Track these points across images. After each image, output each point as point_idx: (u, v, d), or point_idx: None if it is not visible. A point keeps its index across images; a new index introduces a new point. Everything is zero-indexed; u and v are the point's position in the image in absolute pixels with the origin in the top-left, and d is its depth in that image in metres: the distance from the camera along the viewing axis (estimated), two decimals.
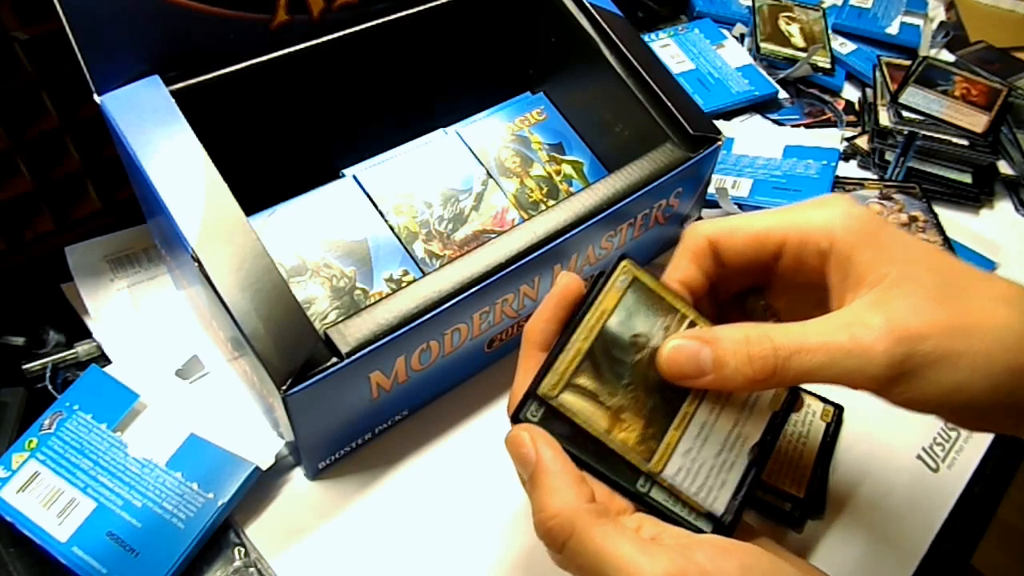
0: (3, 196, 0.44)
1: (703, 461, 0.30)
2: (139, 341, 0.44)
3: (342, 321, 0.35)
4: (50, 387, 0.42)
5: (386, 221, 0.45)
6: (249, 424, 0.40)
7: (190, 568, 0.36)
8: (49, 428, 0.38)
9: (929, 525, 0.40)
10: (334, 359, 0.33)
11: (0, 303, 0.45)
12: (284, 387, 0.32)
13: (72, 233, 0.48)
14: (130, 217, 0.48)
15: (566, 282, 0.30)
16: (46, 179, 0.45)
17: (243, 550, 0.37)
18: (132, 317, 0.45)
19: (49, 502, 0.36)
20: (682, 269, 0.32)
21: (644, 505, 0.29)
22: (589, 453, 0.29)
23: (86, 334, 0.44)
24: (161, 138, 0.36)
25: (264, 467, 0.38)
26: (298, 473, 0.40)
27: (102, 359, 0.43)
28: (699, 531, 0.29)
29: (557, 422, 0.29)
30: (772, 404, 0.32)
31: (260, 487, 0.39)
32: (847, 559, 0.38)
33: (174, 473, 0.37)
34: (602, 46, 0.47)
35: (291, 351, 0.33)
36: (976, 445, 0.44)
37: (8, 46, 0.40)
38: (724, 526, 0.30)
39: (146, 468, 0.37)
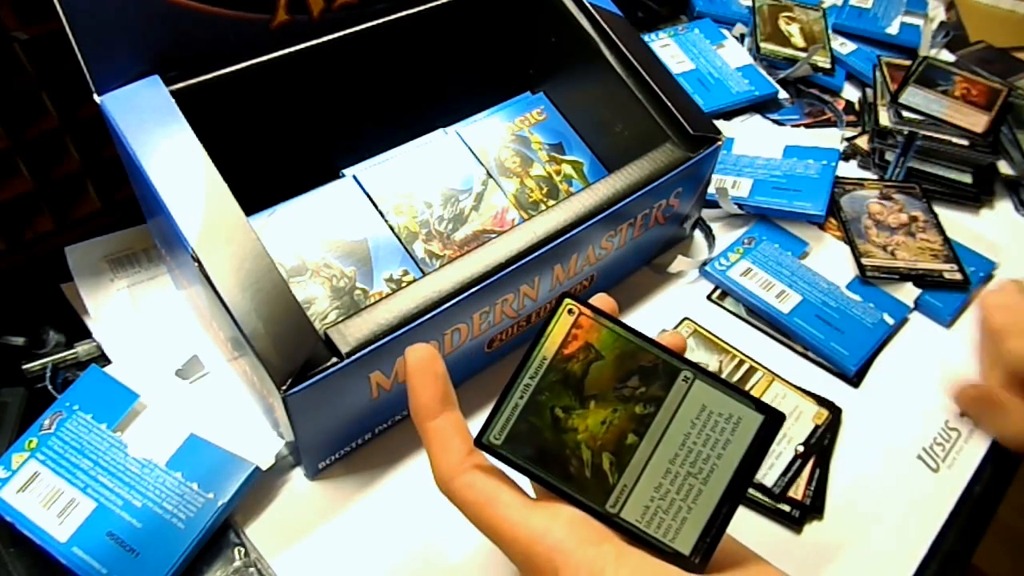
0: (3, 196, 0.44)
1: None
2: (139, 341, 0.44)
3: (342, 321, 0.35)
4: (50, 387, 0.42)
5: (386, 221, 0.45)
6: (249, 424, 0.40)
7: (190, 568, 0.36)
8: (49, 428, 0.38)
9: (929, 525, 0.40)
10: (334, 359, 0.33)
11: (0, 303, 0.45)
12: (284, 387, 0.32)
13: (72, 233, 0.48)
14: (130, 217, 0.48)
15: (419, 355, 0.29)
16: (46, 179, 0.45)
17: (243, 550, 0.37)
18: (132, 317, 0.45)
19: (49, 502, 0.36)
20: None
21: (617, 528, 0.27)
22: (555, 476, 0.28)
23: (86, 334, 0.44)
24: (161, 138, 0.36)
25: (264, 467, 0.38)
26: (298, 473, 0.40)
27: (102, 359, 0.43)
28: (678, 556, 0.27)
29: (521, 444, 0.28)
30: (746, 439, 0.29)
31: (260, 487, 0.39)
32: (847, 559, 0.38)
33: (174, 473, 0.37)
34: (602, 46, 0.47)
35: (291, 351, 0.33)
36: (976, 445, 0.44)
37: (8, 46, 0.40)
38: (694, 565, 0.28)
39: (146, 468, 0.37)
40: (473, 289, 0.37)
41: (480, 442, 0.29)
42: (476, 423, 0.42)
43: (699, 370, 0.29)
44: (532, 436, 0.29)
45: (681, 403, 0.29)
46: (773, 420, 0.29)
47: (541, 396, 0.29)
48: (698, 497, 0.28)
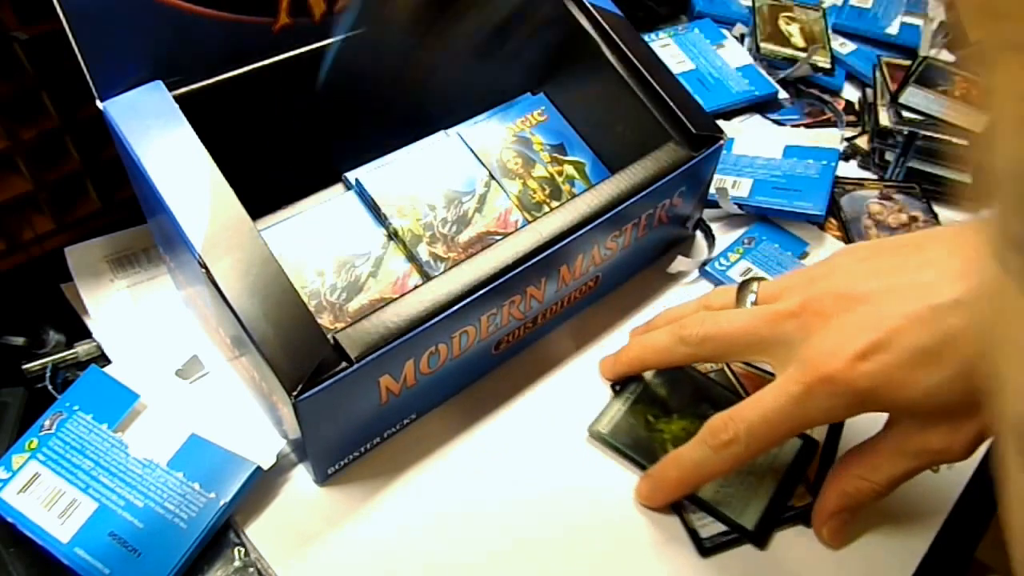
0: (3, 196, 0.44)
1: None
2: (139, 341, 0.43)
3: (351, 326, 0.35)
4: (50, 387, 0.42)
5: (390, 223, 0.44)
6: (250, 424, 0.40)
7: (191, 568, 0.36)
8: (49, 429, 0.38)
9: (929, 525, 0.40)
10: (344, 364, 0.33)
11: (0, 303, 0.45)
12: (295, 393, 0.32)
13: (72, 233, 0.48)
14: (130, 217, 0.48)
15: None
16: (46, 179, 0.45)
17: (243, 550, 0.37)
18: (132, 317, 0.45)
19: (50, 503, 0.36)
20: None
21: (693, 501, 0.38)
22: (645, 460, 0.40)
23: (86, 334, 0.44)
24: (165, 144, 0.36)
25: (265, 467, 0.38)
26: (297, 472, 0.40)
27: (102, 359, 0.43)
28: (744, 530, 0.37)
29: (621, 435, 0.41)
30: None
31: (259, 486, 0.39)
32: (847, 559, 0.38)
33: (175, 473, 0.37)
34: (603, 46, 0.47)
35: (301, 357, 0.33)
36: None
37: (8, 46, 0.40)
38: (756, 538, 0.38)
39: (147, 468, 0.37)
40: (481, 291, 0.37)
41: (591, 430, 0.41)
42: (485, 424, 0.43)
43: None
44: (629, 431, 0.41)
45: None
46: (808, 445, 0.41)
47: (638, 405, 0.42)
48: (757, 489, 0.39)
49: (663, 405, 0.42)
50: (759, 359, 0.36)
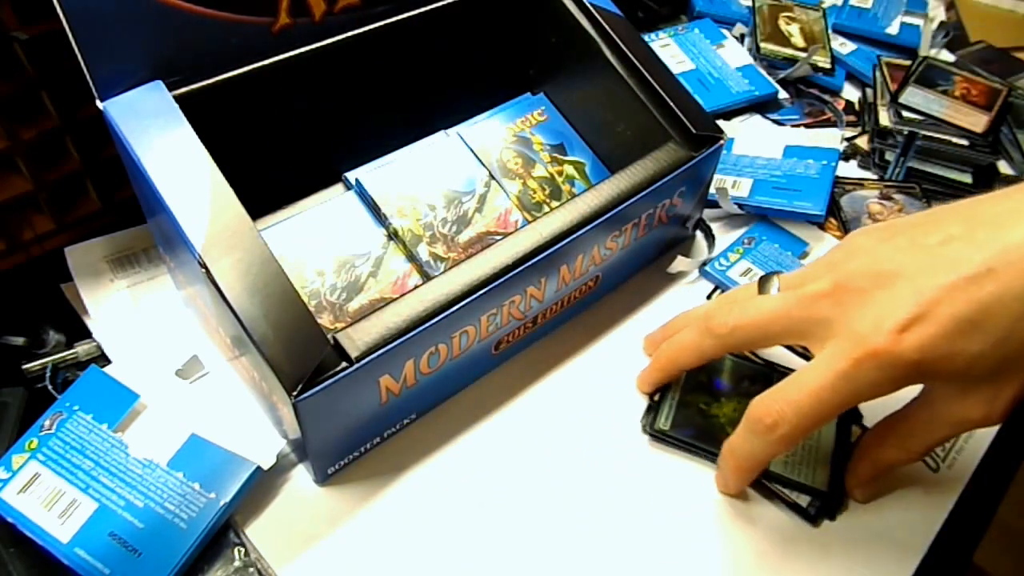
0: (3, 196, 0.44)
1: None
2: (139, 341, 0.43)
3: (351, 326, 0.35)
4: (50, 387, 0.42)
5: (390, 223, 0.44)
6: (250, 424, 0.40)
7: (191, 568, 0.36)
8: (49, 429, 0.38)
9: (929, 525, 0.40)
10: (344, 364, 0.33)
11: (0, 303, 0.45)
12: (295, 393, 0.32)
13: (72, 233, 0.48)
14: (130, 217, 0.48)
15: None
16: (46, 179, 0.45)
17: (243, 550, 0.37)
18: (132, 317, 0.45)
19: (50, 503, 0.36)
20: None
21: (766, 476, 0.39)
22: (712, 447, 0.40)
23: (86, 334, 0.44)
24: (165, 144, 0.36)
25: (265, 467, 0.38)
26: (297, 472, 0.40)
27: (102, 359, 0.43)
28: (821, 493, 0.39)
29: (682, 428, 0.42)
30: None
31: (259, 486, 0.39)
32: (847, 559, 0.38)
33: (175, 473, 0.37)
34: (603, 46, 0.47)
35: (301, 357, 0.33)
36: (976, 445, 0.44)
37: (8, 46, 0.40)
38: (831, 498, 0.39)
39: (147, 468, 0.37)
40: (481, 291, 0.37)
41: (652, 429, 0.42)
42: (486, 425, 0.43)
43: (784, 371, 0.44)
44: (688, 422, 0.42)
45: None
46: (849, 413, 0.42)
47: (687, 396, 0.43)
48: (817, 452, 0.40)
49: (709, 391, 0.43)
50: (795, 342, 0.36)
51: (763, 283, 0.38)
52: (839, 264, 0.35)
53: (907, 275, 0.32)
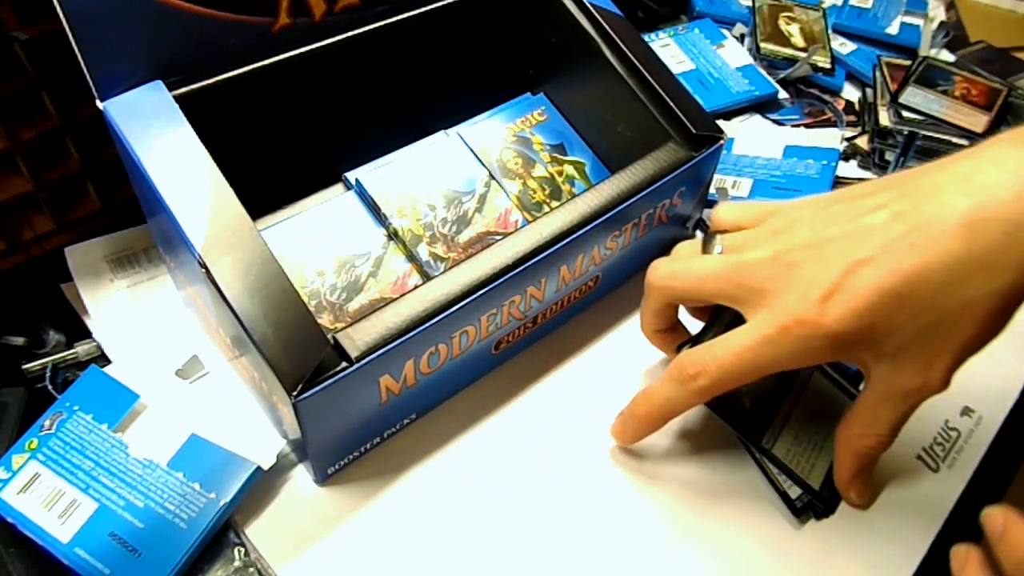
0: (3, 196, 0.44)
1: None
2: (139, 341, 0.43)
3: (351, 326, 0.35)
4: (50, 387, 0.42)
5: (390, 223, 0.44)
6: (250, 424, 0.40)
7: (191, 568, 0.36)
8: (49, 429, 0.38)
9: (929, 525, 0.40)
10: (344, 364, 0.33)
11: (0, 303, 0.45)
12: (295, 393, 0.32)
13: (72, 233, 0.48)
14: (130, 217, 0.48)
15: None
16: (46, 179, 0.45)
17: (243, 550, 0.37)
18: (132, 317, 0.45)
19: (50, 503, 0.36)
20: (655, 324, 0.42)
21: (768, 457, 0.40)
22: (734, 416, 0.40)
23: (86, 334, 0.44)
24: (165, 144, 0.36)
25: (266, 467, 0.38)
26: (297, 472, 0.40)
27: (102, 359, 0.43)
28: (812, 489, 0.39)
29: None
30: None
31: (258, 486, 0.39)
32: (847, 559, 0.38)
33: (176, 473, 0.37)
34: (603, 46, 0.47)
35: (301, 357, 0.33)
36: (976, 445, 0.44)
37: (8, 46, 0.40)
38: (821, 497, 0.39)
39: (147, 469, 0.37)
40: (481, 291, 0.37)
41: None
42: (486, 425, 0.43)
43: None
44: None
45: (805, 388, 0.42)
46: None
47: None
48: (822, 451, 0.40)
49: None
50: (727, 303, 0.36)
51: (707, 242, 0.38)
52: (781, 233, 0.35)
53: (837, 245, 0.33)
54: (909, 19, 0.75)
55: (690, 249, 0.40)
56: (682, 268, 0.38)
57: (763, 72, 0.67)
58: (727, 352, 0.35)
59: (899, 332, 0.32)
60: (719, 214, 0.39)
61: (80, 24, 0.34)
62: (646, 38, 0.67)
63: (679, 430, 0.43)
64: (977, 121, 0.60)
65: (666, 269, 0.39)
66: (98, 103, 0.36)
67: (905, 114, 0.61)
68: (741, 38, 0.71)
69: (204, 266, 0.33)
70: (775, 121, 0.64)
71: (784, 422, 0.41)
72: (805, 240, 0.34)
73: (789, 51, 0.69)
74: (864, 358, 0.34)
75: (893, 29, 0.73)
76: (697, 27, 0.70)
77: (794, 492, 0.40)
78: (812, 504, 0.40)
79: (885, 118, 0.62)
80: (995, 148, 0.32)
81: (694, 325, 0.42)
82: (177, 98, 0.37)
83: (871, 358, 0.34)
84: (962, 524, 0.41)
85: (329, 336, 0.34)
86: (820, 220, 0.34)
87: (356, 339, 0.34)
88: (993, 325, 0.32)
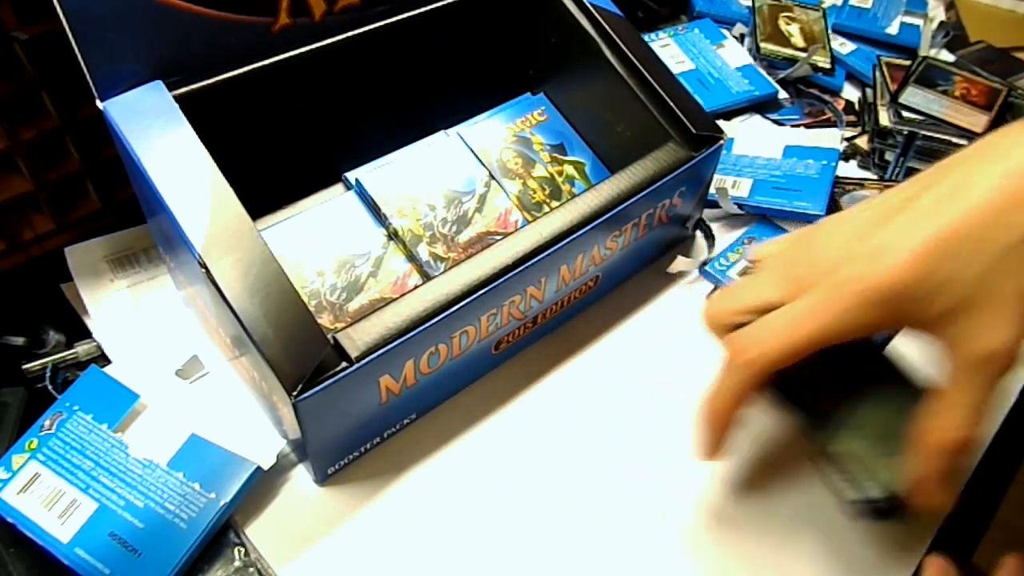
0: (3, 196, 0.44)
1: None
2: (139, 341, 0.43)
3: (351, 326, 0.35)
4: (50, 387, 0.42)
5: (390, 223, 0.44)
6: (250, 424, 0.40)
7: (191, 568, 0.36)
8: (49, 429, 0.38)
9: (929, 525, 0.40)
10: (344, 364, 0.33)
11: (0, 303, 0.45)
12: (295, 393, 0.32)
13: (72, 233, 0.48)
14: (130, 217, 0.48)
15: None
16: (46, 179, 0.45)
17: (243, 550, 0.37)
18: (132, 317, 0.45)
19: (51, 503, 0.36)
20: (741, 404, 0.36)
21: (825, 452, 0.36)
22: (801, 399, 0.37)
23: (86, 334, 0.44)
24: (165, 144, 0.36)
25: (265, 467, 0.38)
26: (299, 473, 0.40)
27: (102, 359, 0.43)
28: (867, 495, 0.34)
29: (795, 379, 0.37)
30: None
31: (258, 486, 0.39)
32: (846, 558, 0.38)
33: (175, 473, 0.37)
34: (603, 46, 0.47)
35: (301, 357, 0.33)
36: (976, 445, 0.44)
37: (8, 46, 0.40)
38: (879, 509, 0.35)
39: (147, 468, 0.37)
40: (481, 291, 0.37)
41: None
42: (486, 425, 0.43)
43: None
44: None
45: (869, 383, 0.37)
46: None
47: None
48: (889, 450, 0.35)
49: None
50: None
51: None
52: (812, 233, 0.35)
53: (873, 216, 0.33)
54: (909, 19, 0.75)
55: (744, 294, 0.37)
56: (760, 328, 0.34)
57: (763, 72, 0.67)
58: (782, 323, 0.33)
59: (957, 281, 0.31)
60: (757, 252, 0.38)
61: (80, 24, 0.34)
62: (646, 38, 0.67)
63: (679, 430, 0.43)
64: (977, 121, 0.60)
65: (748, 335, 0.35)
66: (98, 103, 0.36)
67: (905, 114, 0.61)
68: (741, 38, 0.71)
69: (204, 266, 0.33)
70: (775, 121, 0.64)
71: (846, 418, 0.36)
72: (835, 227, 0.35)
73: (789, 51, 0.69)
74: (931, 319, 0.32)
75: (893, 29, 0.73)
76: (697, 27, 0.70)
77: (857, 494, 0.35)
78: (880, 505, 0.35)
79: (885, 118, 0.62)
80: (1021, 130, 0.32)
81: None
82: (177, 98, 0.37)
83: (939, 319, 0.32)
84: (962, 524, 0.41)
85: (329, 336, 0.34)
86: (847, 217, 0.35)
87: (356, 339, 0.34)
88: None
